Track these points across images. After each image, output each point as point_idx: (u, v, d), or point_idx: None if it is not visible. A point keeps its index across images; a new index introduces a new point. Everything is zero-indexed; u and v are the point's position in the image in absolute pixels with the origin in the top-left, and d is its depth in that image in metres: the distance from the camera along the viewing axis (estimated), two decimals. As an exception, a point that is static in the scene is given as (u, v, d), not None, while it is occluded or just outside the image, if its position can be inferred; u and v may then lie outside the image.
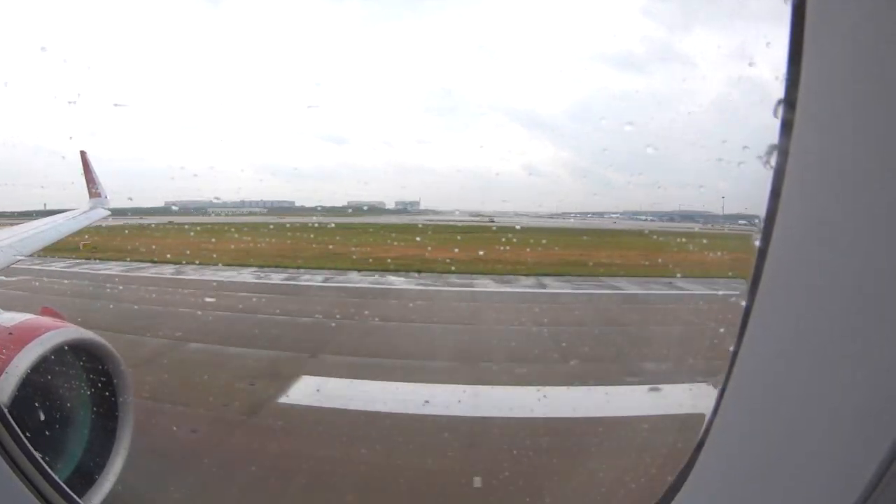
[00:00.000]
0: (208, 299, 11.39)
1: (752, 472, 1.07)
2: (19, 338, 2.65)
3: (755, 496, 1.07)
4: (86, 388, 2.96)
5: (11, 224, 6.45)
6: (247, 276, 14.30)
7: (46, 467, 1.76)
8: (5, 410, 1.93)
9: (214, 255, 14.85)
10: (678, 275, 12.90)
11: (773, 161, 1.03)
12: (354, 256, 15.39)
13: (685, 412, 5.36)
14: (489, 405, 6.07)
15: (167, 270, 14.45)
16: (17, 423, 1.79)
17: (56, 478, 1.80)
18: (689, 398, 5.76)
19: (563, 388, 6.60)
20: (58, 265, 14.70)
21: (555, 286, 13.44)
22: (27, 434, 1.78)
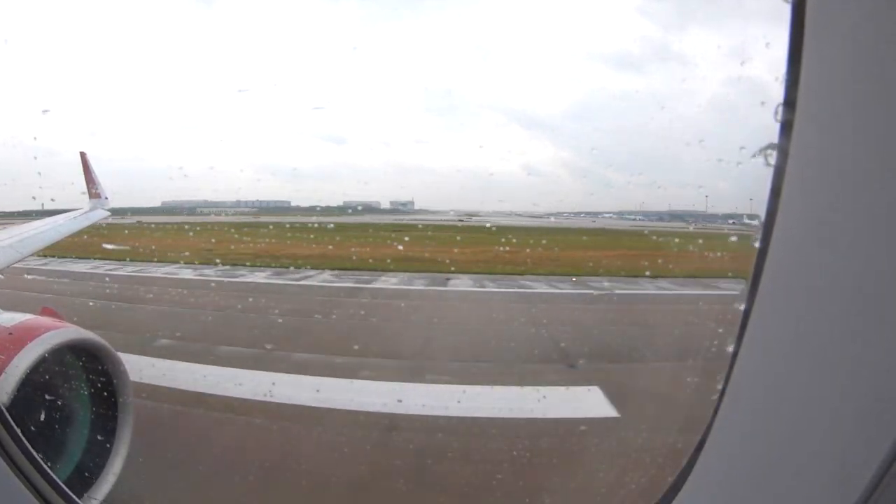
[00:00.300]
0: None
1: (752, 472, 1.07)
2: (19, 338, 2.65)
3: (755, 496, 1.07)
4: (85, 389, 2.97)
5: (11, 224, 6.46)
6: (187, 272, 14.79)
7: (46, 467, 1.76)
8: (5, 410, 1.93)
9: (170, 254, 15.56)
10: (600, 272, 13.55)
11: (773, 160, 1.03)
12: (301, 253, 15.86)
13: (561, 416, 5.59)
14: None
15: (120, 267, 15.22)
16: (16, 423, 1.79)
17: (55, 478, 1.80)
18: (570, 400, 6.09)
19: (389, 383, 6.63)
20: (54, 265, 14.90)
21: (452, 282, 13.75)
22: (27, 434, 1.78)
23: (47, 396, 2.81)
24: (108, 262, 16.16)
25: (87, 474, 2.76)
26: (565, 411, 5.84)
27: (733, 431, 1.13)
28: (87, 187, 8.32)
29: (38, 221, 6.51)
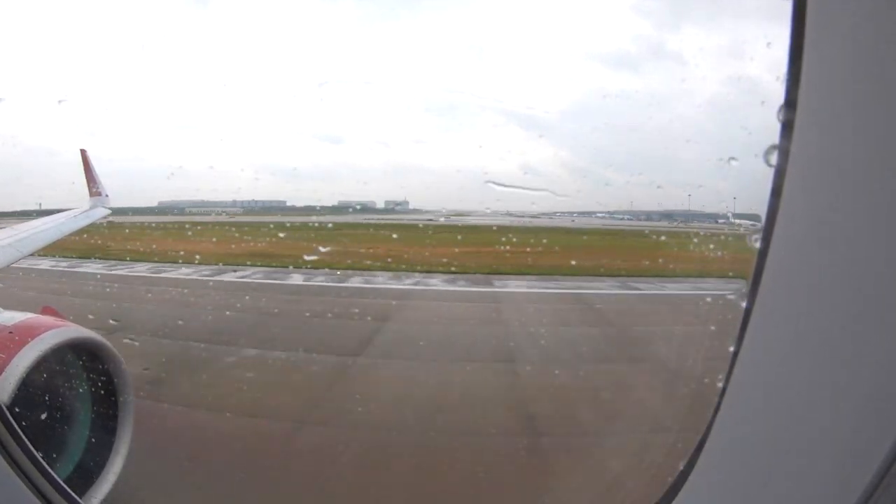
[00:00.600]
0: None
1: (752, 472, 1.07)
2: (20, 337, 2.66)
3: (755, 496, 1.07)
4: (86, 388, 2.97)
5: (11, 224, 6.46)
6: (140, 269, 15.13)
7: (47, 466, 1.76)
8: (5, 409, 1.93)
9: (137, 253, 15.87)
10: (529, 271, 13.94)
11: (774, 160, 1.03)
12: (266, 251, 16.05)
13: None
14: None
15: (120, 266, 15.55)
16: (17, 422, 1.79)
17: (56, 477, 1.80)
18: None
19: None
20: (54, 264, 15.09)
21: (364, 279, 13.96)
22: (27, 433, 1.78)
23: (48, 395, 2.81)
24: (107, 261, 16.38)
25: (87, 473, 2.76)
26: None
27: (733, 431, 1.13)
28: (88, 186, 8.32)
29: (38, 220, 6.51)
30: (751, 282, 1.07)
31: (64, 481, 1.86)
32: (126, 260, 15.46)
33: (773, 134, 1.03)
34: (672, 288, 13.05)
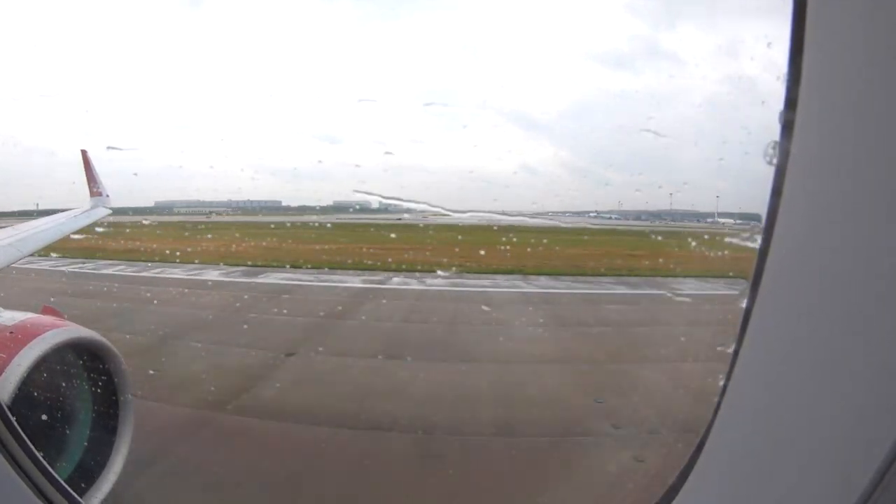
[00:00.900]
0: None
1: (752, 472, 1.07)
2: (20, 336, 2.66)
3: (755, 496, 1.07)
4: (86, 387, 2.97)
5: (10, 224, 6.45)
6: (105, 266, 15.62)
7: (47, 466, 1.76)
8: (6, 409, 1.93)
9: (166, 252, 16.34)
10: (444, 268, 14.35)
11: (774, 160, 1.03)
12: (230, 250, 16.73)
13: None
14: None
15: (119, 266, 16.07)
16: (17, 422, 1.79)
17: (57, 476, 1.80)
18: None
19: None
20: (55, 263, 15.17)
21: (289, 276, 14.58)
22: (28, 433, 1.78)
23: (48, 395, 2.82)
24: (107, 261, 16.56)
25: (88, 473, 2.77)
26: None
27: (733, 431, 1.13)
28: (88, 185, 8.31)
29: (38, 220, 6.50)
30: (751, 281, 1.07)
31: (64, 481, 1.86)
32: (141, 261, 15.79)
33: (773, 134, 1.03)
34: (631, 288, 13.67)
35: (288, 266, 15.37)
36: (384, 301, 12.03)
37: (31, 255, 5.52)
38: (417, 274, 14.76)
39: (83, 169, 8.35)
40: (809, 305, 0.98)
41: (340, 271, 14.97)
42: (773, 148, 1.04)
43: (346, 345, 8.69)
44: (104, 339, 2.99)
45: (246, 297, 12.12)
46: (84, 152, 8.45)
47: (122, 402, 2.97)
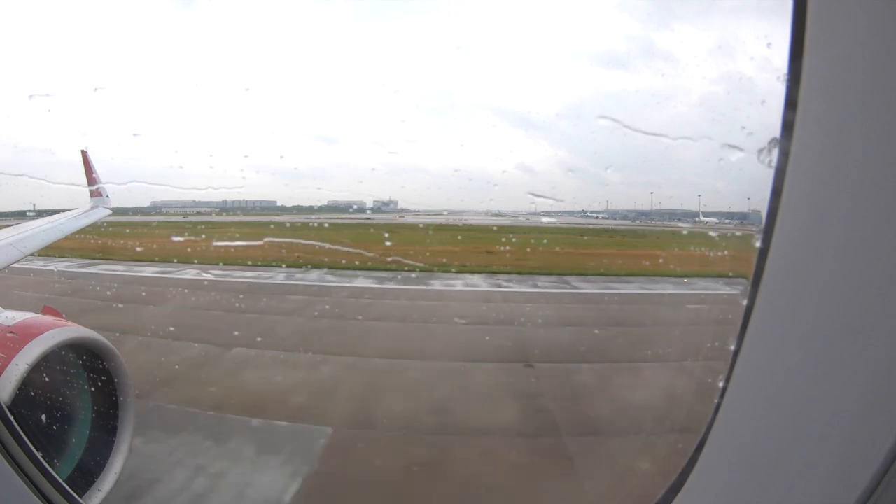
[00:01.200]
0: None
1: (752, 472, 1.07)
2: (20, 336, 2.66)
3: (755, 496, 1.07)
4: (86, 387, 2.97)
5: (10, 224, 6.45)
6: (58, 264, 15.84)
7: (47, 466, 1.76)
8: (6, 409, 1.93)
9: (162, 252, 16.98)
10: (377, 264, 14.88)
11: (775, 159, 1.03)
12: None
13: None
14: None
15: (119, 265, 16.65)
16: (17, 422, 1.79)
17: (57, 477, 1.80)
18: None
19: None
20: (55, 263, 15.30)
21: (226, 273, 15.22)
22: (28, 433, 1.78)
23: (48, 395, 2.81)
24: (107, 261, 16.70)
25: (88, 473, 2.76)
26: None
27: (734, 431, 1.13)
28: (88, 186, 8.31)
29: (39, 220, 6.50)
30: (751, 281, 1.07)
31: (64, 481, 1.86)
32: (155, 261, 16.17)
33: (773, 134, 1.03)
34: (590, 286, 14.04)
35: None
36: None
37: (32, 255, 5.51)
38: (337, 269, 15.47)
39: (83, 169, 8.35)
40: (809, 305, 0.98)
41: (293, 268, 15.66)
42: (770, 148, 1.05)
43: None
44: (104, 339, 2.99)
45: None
46: (84, 152, 8.45)
47: (122, 402, 2.97)
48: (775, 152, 1.03)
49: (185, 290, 13.08)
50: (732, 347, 1.12)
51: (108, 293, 12.67)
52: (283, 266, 15.75)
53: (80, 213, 7.66)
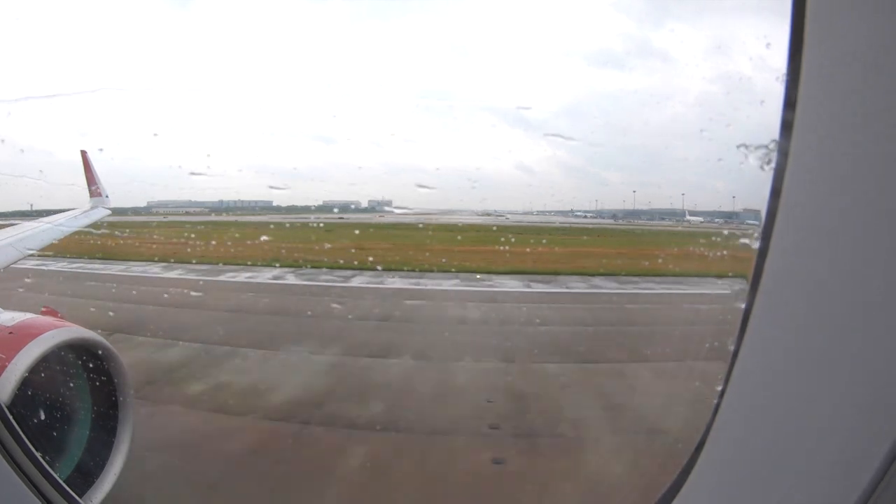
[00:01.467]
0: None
1: (752, 472, 1.07)
2: (20, 337, 2.66)
3: (755, 496, 1.07)
4: (86, 387, 2.97)
5: (9, 224, 6.45)
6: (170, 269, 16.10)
7: (47, 466, 1.76)
8: (6, 409, 1.93)
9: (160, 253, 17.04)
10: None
11: (774, 159, 1.03)
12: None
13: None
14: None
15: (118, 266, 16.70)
16: (17, 422, 1.79)
17: (56, 477, 1.80)
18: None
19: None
20: (54, 264, 15.41)
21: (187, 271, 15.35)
22: (28, 433, 1.78)
23: (48, 395, 2.81)
24: (107, 260, 16.82)
25: (88, 473, 2.76)
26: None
27: (733, 431, 1.13)
28: (88, 186, 8.32)
29: (38, 220, 6.50)
30: (750, 281, 1.07)
31: (64, 481, 1.86)
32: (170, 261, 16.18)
33: (772, 134, 1.03)
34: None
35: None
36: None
37: (31, 254, 5.52)
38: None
39: (83, 169, 8.36)
40: (809, 305, 0.98)
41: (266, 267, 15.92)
42: (770, 148, 1.04)
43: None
44: (104, 339, 2.99)
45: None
46: (84, 153, 8.47)
47: (122, 402, 2.97)
48: (774, 152, 1.03)
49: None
50: (732, 347, 1.12)
51: (109, 293, 12.80)
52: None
53: (79, 213, 7.67)
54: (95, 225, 8.23)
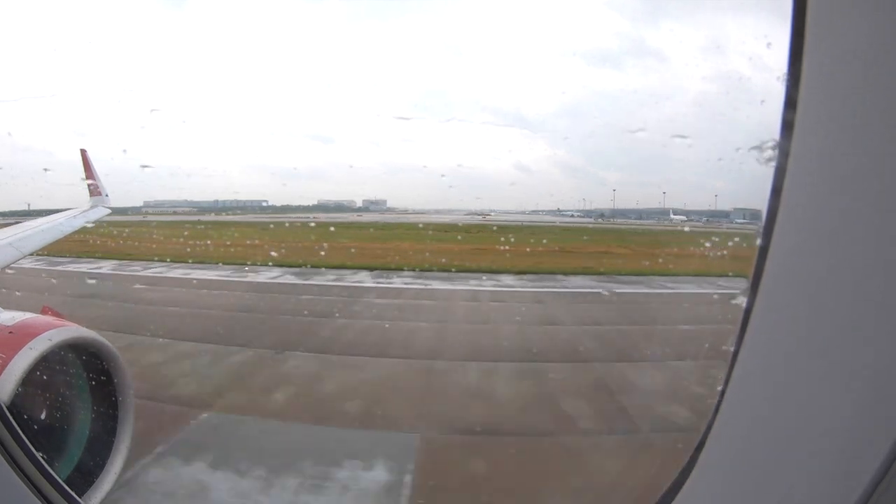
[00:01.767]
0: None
1: (752, 472, 1.07)
2: (19, 336, 2.65)
3: (755, 496, 1.07)
4: (86, 387, 2.97)
5: (9, 223, 6.44)
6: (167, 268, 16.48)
7: (47, 466, 1.76)
8: (5, 409, 1.93)
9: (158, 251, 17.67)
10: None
11: (775, 159, 1.03)
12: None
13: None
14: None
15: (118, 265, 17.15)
16: (17, 422, 1.79)
17: (56, 477, 1.80)
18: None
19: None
20: (54, 263, 15.50)
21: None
22: (27, 433, 1.78)
23: (48, 395, 2.81)
24: (107, 260, 16.94)
25: (88, 473, 2.76)
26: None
27: (733, 431, 1.13)
28: (88, 185, 8.31)
29: (38, 220, 6.49)
30: (751, 281, 1.07)
31: (64, 481, 1.86)
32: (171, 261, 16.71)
33: (773, 133, 1.03)
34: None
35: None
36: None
37: (31, 254, 5.51)
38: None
39: (83, 169, 8.34)
40: (809, 305, 0.98)
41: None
42: (770, 148, 1.04)
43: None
44: (104, 339, 2.99)
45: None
46: (84, 152, 8.45)
47: (122, 402, 2.96)
48: (775, 152, 1.03)
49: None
50: (732, 348, 1.12)
51: (108, 292, 12.87)
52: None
53: (79, 212, 7.65)
54: (95, 224, 8.22)
